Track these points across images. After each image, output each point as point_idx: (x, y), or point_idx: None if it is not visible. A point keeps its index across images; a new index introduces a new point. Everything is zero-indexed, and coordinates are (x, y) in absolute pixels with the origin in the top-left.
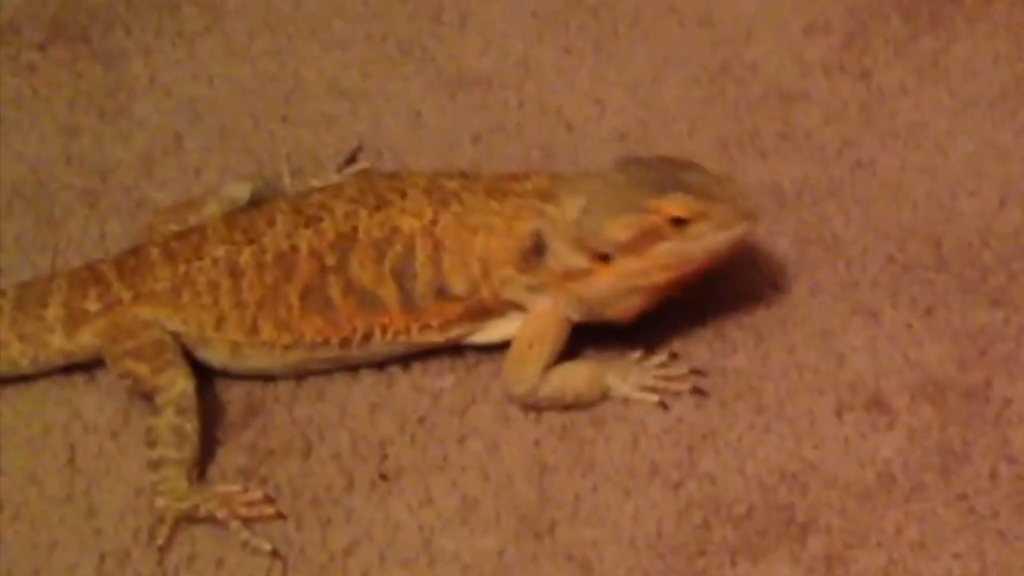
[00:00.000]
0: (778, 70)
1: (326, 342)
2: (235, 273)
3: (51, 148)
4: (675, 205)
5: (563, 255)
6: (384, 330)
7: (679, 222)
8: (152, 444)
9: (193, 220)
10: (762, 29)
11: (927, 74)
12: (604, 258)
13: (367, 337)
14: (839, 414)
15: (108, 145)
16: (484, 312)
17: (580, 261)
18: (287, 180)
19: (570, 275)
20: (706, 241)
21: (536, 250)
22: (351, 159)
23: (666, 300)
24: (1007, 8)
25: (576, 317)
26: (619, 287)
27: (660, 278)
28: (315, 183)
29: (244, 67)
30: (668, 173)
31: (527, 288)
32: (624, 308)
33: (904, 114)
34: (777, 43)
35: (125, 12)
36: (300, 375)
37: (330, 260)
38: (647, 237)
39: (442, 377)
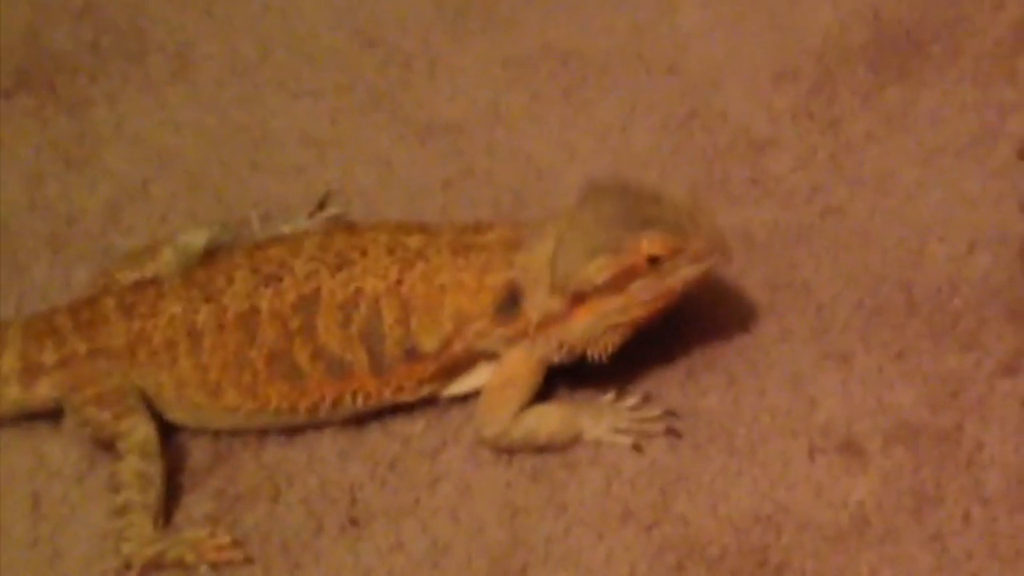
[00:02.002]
0: (747, 117)
1: (293, 409)
2: (193, 333)
3: (16, 195)
4: (652, 244)
5: (539, 302)
6: (355, 395)
7: (655, 259)
8: (117, 489)
9: (150, 267)
10: (730, 77)
11: (896, 122)
12: (580, 298)
13: (337, 403)
14: (812, 457)
15: (74, 192)
16: (456, 367)
17: (557, 305)
18: (256, 226)
19: (548, 320)
20: (681, 274)
21: (511, 301)
22: (321, 205)
23: (642, 334)
24: (974, 58)
25: (556, 359)
26: (598, 326)
27: (637, 313)
28: (286, 229)
29: (212, 115)
30: (636, 206)
31: (503, 339)
32: (603, 345)
33: (873, 161)
34: (746, 91)
35: (91, 60)
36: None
37: (294, 323)
38: (624, 276)
39: (413, 421)
